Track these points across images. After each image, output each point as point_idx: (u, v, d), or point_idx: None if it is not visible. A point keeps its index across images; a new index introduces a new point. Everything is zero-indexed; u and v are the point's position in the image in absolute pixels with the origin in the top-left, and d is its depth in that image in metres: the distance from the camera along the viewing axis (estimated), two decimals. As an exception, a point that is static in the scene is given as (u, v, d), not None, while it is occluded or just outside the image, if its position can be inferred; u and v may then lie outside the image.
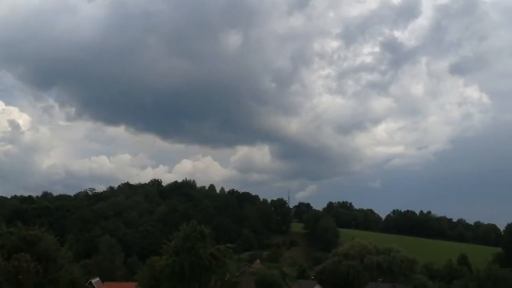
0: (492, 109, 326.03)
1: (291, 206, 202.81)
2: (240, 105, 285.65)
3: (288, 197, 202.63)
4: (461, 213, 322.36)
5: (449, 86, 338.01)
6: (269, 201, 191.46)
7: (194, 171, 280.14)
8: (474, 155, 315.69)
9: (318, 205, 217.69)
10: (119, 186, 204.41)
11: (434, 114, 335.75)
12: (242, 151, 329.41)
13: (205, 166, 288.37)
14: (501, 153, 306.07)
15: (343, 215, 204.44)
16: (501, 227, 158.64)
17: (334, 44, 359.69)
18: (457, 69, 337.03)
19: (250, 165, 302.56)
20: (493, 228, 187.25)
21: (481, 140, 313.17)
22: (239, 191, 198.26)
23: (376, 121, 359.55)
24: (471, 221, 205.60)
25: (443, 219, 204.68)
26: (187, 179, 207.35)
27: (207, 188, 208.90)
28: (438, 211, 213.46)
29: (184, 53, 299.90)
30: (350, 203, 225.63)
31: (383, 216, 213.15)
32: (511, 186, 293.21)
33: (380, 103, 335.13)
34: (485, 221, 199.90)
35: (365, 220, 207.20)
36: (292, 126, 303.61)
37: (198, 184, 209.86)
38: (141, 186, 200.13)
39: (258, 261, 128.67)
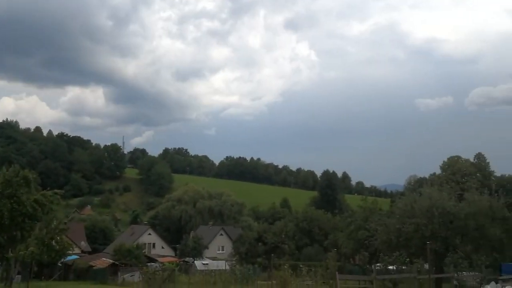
0: (319, 66, 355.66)
1: (126, 152, 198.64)
2: (71, 42, 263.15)
3: (123, 142, 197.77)
4: (286, 160, 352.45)
5: (283, 40, 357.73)
6: (102, 146, 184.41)
7: (17, 111, 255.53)
8: (300, 108, 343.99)
9: (154, 151, 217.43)
10: None
11: (268, 67, 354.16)
12: (73, 92, 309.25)
13: (30, 106, 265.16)
14: (324, 107, 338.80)
15: (178, 161, 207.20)
16: (318, 173, 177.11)
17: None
18: (291, 25, 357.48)
19: (82, 108, 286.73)
20: (312, 174, 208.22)
21: (308, 94, 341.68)
22: (69, 134, 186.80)
23: (215, 70, 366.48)
24: (294, 167, 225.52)
25: (270, 166, 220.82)
26: (8, 119, 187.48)
27: (32, 130, 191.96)
28: (266, 158, 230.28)
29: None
30: (186, 150, 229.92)
31: (217, 162, 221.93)
32: (328, 137, 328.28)
33: (219, 52, 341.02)
34: (306, 167, 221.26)
35: (200, 166, 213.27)
36: (129, 68, 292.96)
37: (22, 126, 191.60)
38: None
39: (89, 207, 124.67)
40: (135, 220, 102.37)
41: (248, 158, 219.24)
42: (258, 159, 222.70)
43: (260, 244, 53.70)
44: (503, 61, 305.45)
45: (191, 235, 68.20)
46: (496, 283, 29.16)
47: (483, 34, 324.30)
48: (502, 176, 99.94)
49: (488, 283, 29.21)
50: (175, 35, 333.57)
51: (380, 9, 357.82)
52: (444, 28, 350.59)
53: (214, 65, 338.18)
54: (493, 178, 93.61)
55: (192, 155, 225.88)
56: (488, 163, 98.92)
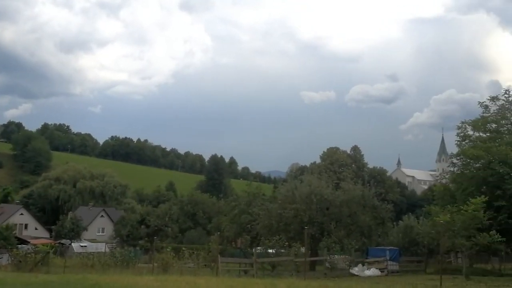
0: (213, 50, 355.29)
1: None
2: None
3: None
4: (174, 143, 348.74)
5: (177, 21, 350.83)
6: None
7: None
8: (192, 91, 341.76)
9: (32, 126, 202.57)
10: None
11: (160, 46, 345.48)
12: None
13: None
14: (215, 92, 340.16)
15: (58, 138, 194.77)
16: (207, 157, 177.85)
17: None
18: (186, 6, 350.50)
19: None
20: (200, 158, 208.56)
21: (200, 78, 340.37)
22: None
23: (103, 44, 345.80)
24: (182, 150, 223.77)
25: (158, 148, 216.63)
26: None
27: None
28: (154, 140, 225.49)
29: None
30: (68, 126, 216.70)
31: (101, 141, 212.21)
32: (218, 122, 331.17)
33: (108, 26, 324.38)
34: (194, 151, 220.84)
35: (82, 144, 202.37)
36: (6, 34, 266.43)
37: None
38: None
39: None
40: (5, 199, 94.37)
41: (135, 139, 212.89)
42: (146, 140, 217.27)
43: (142, 226, 52.87)
44: (381, 62, 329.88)
45: (69, 216, 64.75)
46: (363, 265, 31.86)
47: (365, 36, 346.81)
48: (374, 168, 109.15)
49: (356, 265, 31.80)
50: (61, 3, 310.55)
51: (273, 0, 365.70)
52: (331, 26, 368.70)
53: (102, 39, 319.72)
54: (366, 170, 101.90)
55: (75, 132, 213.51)
56: (363, 155, 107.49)
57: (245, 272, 28.32)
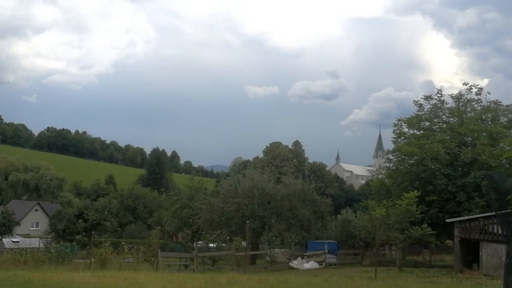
0: (155, 41, 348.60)
1: None
2: None
3: None
4: (115, 135, 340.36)
5: (119, 10, 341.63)
6: None
7: None
8: (133, 82, 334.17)
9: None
10: None
11: (101, 35, 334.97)
12: None
13: None
14: (157, 84, 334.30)
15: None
16: (148, 150, 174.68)
17: None
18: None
19: None
20: (141, 151, 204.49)
21: (142, 69, 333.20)
22: None
23: (39, 30, 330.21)
24: (122, 143, 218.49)
25: (97, 140, 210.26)
26: None
27: None
28: (93, 132, 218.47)
29: None
30: (0, 116, 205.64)
31: (36, 132, 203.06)
32: (160, 115, 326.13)
33: (45, 11, 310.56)
34: (135, 144, 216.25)
35: (15, 135, 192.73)
36: None
37: None
38: None
39: None
40: None
41: (73, 131, 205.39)
42: (84, 132, 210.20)
43: (80, 221, 51.28)
44: (322, 59, 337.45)
45: (0, 210, 61.66)
46: (302, 258, 32.56)
47: (308, 32, 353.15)
48: (314, 163, 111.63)
49: (295, 258, 32.44)
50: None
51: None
52: (275, 22, 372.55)
53: (38, 25, 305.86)
54: (306, 164, 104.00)
55: (7, 122, 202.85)
56: (304, 150, 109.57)
57: (186, 266, 28.22)
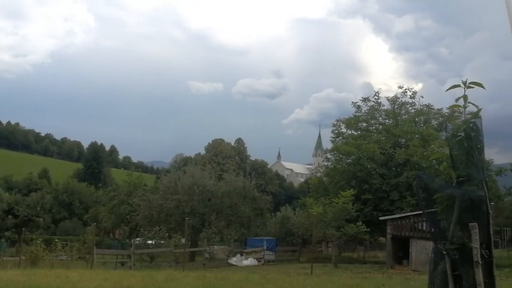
0: (96, 32, 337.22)
1: None
2: None
3: None
4: (50, 128, 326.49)
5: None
6: None
7: None
8: (71, 72, 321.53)
9: None
10: None
11: (37, 23, 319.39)
12: None
13: None
14: (97, 76, 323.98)
15: None
16: (86, 144, 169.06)
17: None
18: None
19: None
20: (78, 145, 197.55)
21: (81, 59, 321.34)
22: None
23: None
24: (58, 136, 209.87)
25: (31, 132, 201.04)
26: None
27: None
28: (27, 124, 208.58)
29: None
30: None
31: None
32: (99, 108, 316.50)
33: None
34: (72, 137, 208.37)
35: None
36: None
37: None
38: None
39: None
40: None
41: (4, 122, 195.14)
42: (17, 123, 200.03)
43: (10, 216, 49.01)
44: (267, 58, 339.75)
45: None
46: (241, 255, 32.77)
47: (253, 30, 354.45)
48: (256, 161, 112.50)
49: (234, 255, 32.61)
50: None
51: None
52: (220, 18, 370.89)
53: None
54: (248, 162, 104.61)
55: None
56: (246, 147, 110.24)
57: (122, 264, 27.64)
